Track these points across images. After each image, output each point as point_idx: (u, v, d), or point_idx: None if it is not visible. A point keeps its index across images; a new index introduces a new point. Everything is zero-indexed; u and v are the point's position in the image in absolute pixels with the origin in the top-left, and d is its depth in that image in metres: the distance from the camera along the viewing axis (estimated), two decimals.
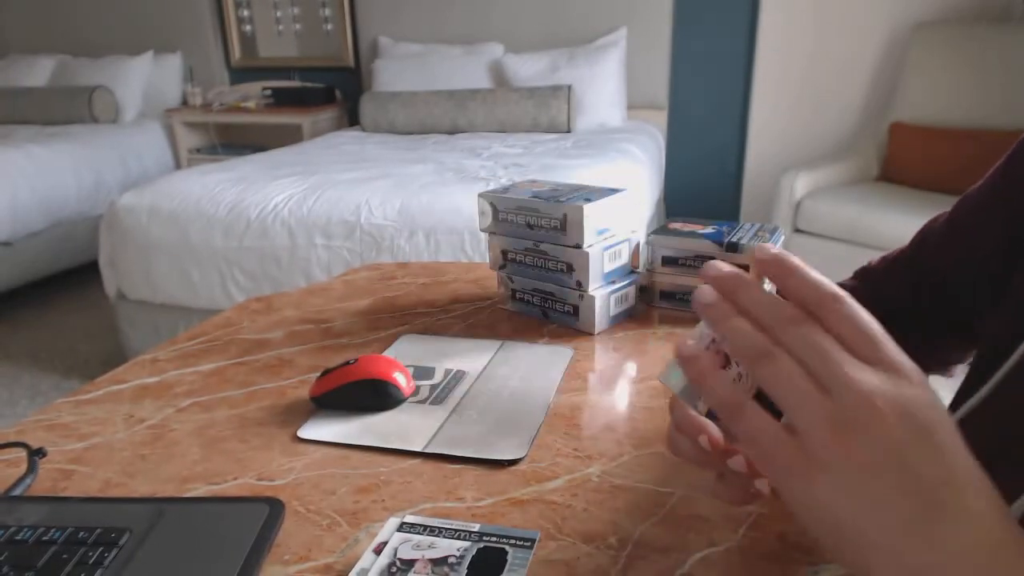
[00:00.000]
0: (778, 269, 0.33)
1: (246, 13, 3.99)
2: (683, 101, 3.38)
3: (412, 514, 0.49)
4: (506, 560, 0.44)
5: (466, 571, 0.43)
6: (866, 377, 0.29)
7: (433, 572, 0.43)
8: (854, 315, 0.31)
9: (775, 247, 0.33)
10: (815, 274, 0.32)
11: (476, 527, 0.47)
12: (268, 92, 3.84)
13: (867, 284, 0.62)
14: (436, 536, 0.46)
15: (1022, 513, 0.35)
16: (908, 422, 0.29)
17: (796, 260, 0.33)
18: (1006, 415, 0.42)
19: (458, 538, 0.46)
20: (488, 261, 0.88)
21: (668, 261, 0.83)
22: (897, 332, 0.59)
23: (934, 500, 0.28)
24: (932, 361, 0.58)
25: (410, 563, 0.44)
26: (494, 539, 0.46)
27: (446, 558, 0.44)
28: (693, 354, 0.34)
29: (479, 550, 0.45)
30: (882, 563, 0.29)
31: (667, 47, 3.31)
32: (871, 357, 0.30)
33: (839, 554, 0.30)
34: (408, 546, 0.45)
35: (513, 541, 0.46)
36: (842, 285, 0.63)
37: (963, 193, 0.56)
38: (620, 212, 0.81)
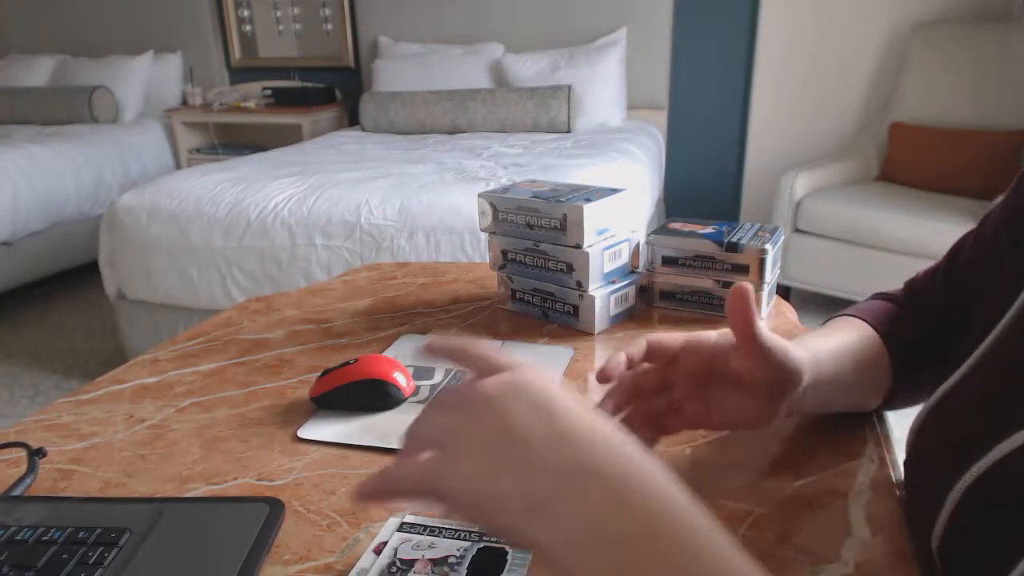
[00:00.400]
0: (439, 353, 0.38)
1: (246, 13, 3.99)
2: (683, 101, 3.38)
3: (412, 514, 0.49)
4: (506, 560, 0.44)
5: (466, 571, 0.43)
6: (476, 383, 0.34)
7: (433, 572, 0.43)
8: (474, 351, 0.37)
9: (427, 339, 0.39)
10: (447, 342, 0.38)
11: (476, 527, 0.47)
12: (268, 92, 3.84)
13: (912, 295, 0.63)
14: (436, 536, 0.46)
15: (1005, 454, 0.37)
16: (516, 398, 0.33)
17: (440, 341, 0.38)
18: (990, 377, 0.43)
19: (458, 538, 0.46)
20: (488, 261, 0.88)
21: (668, 261, 0.83)
22: (943, 345, 0.58)
23: (539, 446, 0.31)
24: None
25: (410, 563, 0.44)
26: (495, 539, 0.46)
27: (446, 558, 0.44)
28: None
29: (479, 550, 0.45)
30: (491, 490, 0.31)
31: (667, 47, 3.31)
32: (495, 372, 0.35)
33: (479, 514, 0.32)
34: (408, 546, 0.45)
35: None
36: (890, 294, 0.64)
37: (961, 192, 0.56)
38: (620, 212, 0.81)
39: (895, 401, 0.59)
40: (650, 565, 0.28)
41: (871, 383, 0.57)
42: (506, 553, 0.45)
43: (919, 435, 0.48)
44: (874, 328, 0.58)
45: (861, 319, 0.60)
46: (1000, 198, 0.55)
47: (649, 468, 0.31)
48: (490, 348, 0.37)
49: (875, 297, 0.64)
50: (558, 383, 0.34)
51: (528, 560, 0.44)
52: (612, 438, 0.32)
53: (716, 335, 0.50)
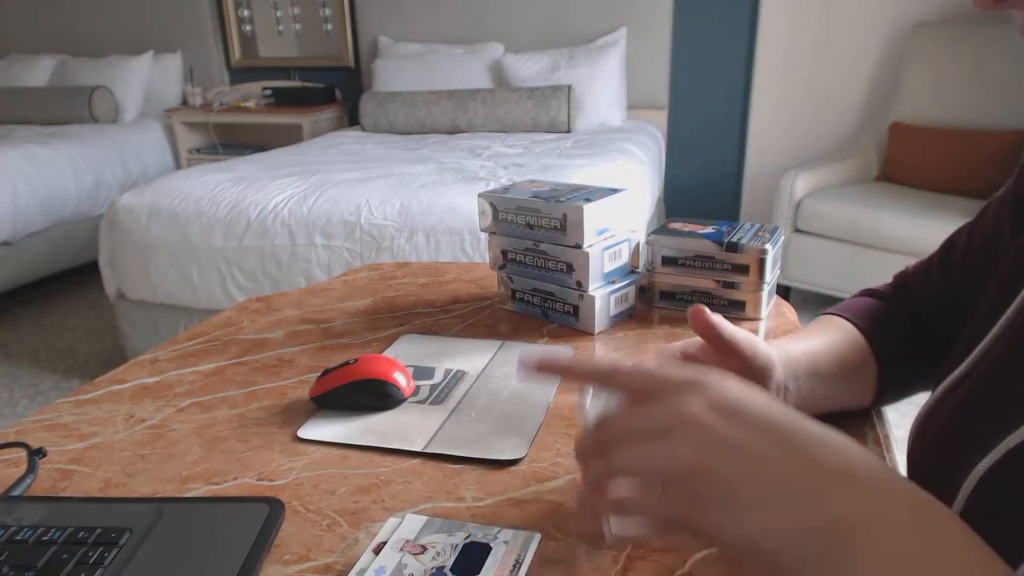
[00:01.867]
0: (552, 371, 0.38)
1: (246, 13, 3.99)
2: (683, 101, 3.38)
3: (412, 514, 0.49)
4: (489, 550, 0.44)
5: (456, 567, 0.43)
6: (682, 403, 0.32)
7: (432, 572, 0.43)
8: (635, 371, 0.35)
9: (536, 355, 0.39)
10: (584, 363, 0.37)
11: (475, 527, 0.47)
12: (268, 92, 3.84)
13: (901, 289, 0.63)
14: (436, 536, 0.46)
15: (1017, 442, 0.37)
16: (732, 418, 0.32)
17: (558, 359, 0.38)
18: (997, 368, 0.43)
19: (450, 534, 0.46)
20: (488, 261, 0.88)
21: (668, 261, 0.83)
22: (934, 338, 0.58)
23: (796, 470, 0.31)
24: None
25: (409, 563, 0.44)
26: (492, 537, 0.46)
27: (445, 558, 0.44)
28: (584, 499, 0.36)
29: (464, 546, 0.45)
30: (784, 544, 0.30)
31: (667, 47, 3.31)
32: (669, 389, 0.33)
33: (755, 557, 0.31)
34: (408, 546, 0.45)
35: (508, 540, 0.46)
36: (877, 289, 0.63)
37: (962, 193, 0.57)
38: (620, 212, 0.81)
39: (885, 397, 0.59)
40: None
41: (857, 381, 0.57)
42: (489, 548, 0.45)
43: (924, 427, 0.48)
44: (857, 326, 0.59)
45: (844, 317, 0.60)
46: (1000, 191, 0.55)
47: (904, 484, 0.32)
48: (637, 363, 0.35)
49: (862, 293, 0.64)
50: (737, 383, 0.34)
51: (526, 559, 0.44)
52: (852, 448, 0.32)
53: (682, 344, 0.53)
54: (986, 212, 0.56)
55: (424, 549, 0.45)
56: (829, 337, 0.58)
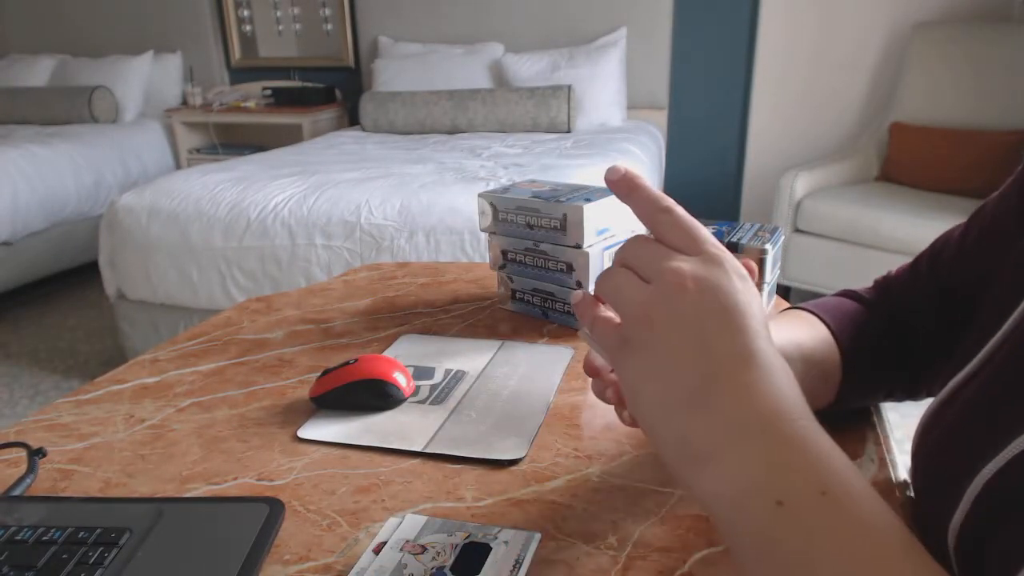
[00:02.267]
0: (623, 187, 0.37)
1: (246, 13, 3.99)
2: (683, 101, 3.38)
3: (412, 514, 0.49)
4: (488, 554, 0.44)
5: (456, 567, 0.43)
6: (681, 264, 0.33)
7: (432, 572, 0.43)
8: (679, 221, 0.35)
9: (624, 168, 0.37)
10: (652, 191, 0.36)
11: (475, 527, 0.47)
12: (268, 92, 3.84)
13: (883, 293, 0.62)
14: (436, 536, 0.46)
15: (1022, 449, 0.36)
16: (710, 299, 0.32)
17: (638, 179, 0.37)
18: (1004, 370, 0.42)
19: (450, 534, 0.46)
20: (488, 261, 0.88)
21: None
22: (918, 343, 0.57)
23: (718, 370, 0.32)
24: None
25: (409, 563, 0.44)
26: (492, 537, 0.46)
27: (445, 558, 0.44)
28: (578, 299, 0.39)
29: (464, 546, 0.45)
30: (662, 429, 0.33)
31: (667, 47, 3.31)
32: (693, 250, 0.34)
33: (643, 426, 0.35)
34: (408, 546, 0.45)
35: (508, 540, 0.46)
36: (857, 292, 0.62)
37: (968, 196, 0.56)
38: (620, 212, 0.81)
39: (846, 399, 0.57)
40: (813, 523, 0.29)
41: (818, 376, 0.55)
42: (489, 548, 0.45)
43: (929, 429, 0.48)
44: (827, 324, 0.57)
45: (815, 314, 0.58)
46: (997, 192, 0.54)
47: (815, 428, 0.32)
48: (689, 220, 0.35)
49: (841, 294, 0.63)
50: (748, 291, 0.34)
51: (526, 559, 0.44)
52: (787, 379, 0.32)
53: None
54: (983, 211, 0.55)
55: (424, 549, 0.45)
56: (796, 327, 0.57)
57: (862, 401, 0.59)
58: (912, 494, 0.50)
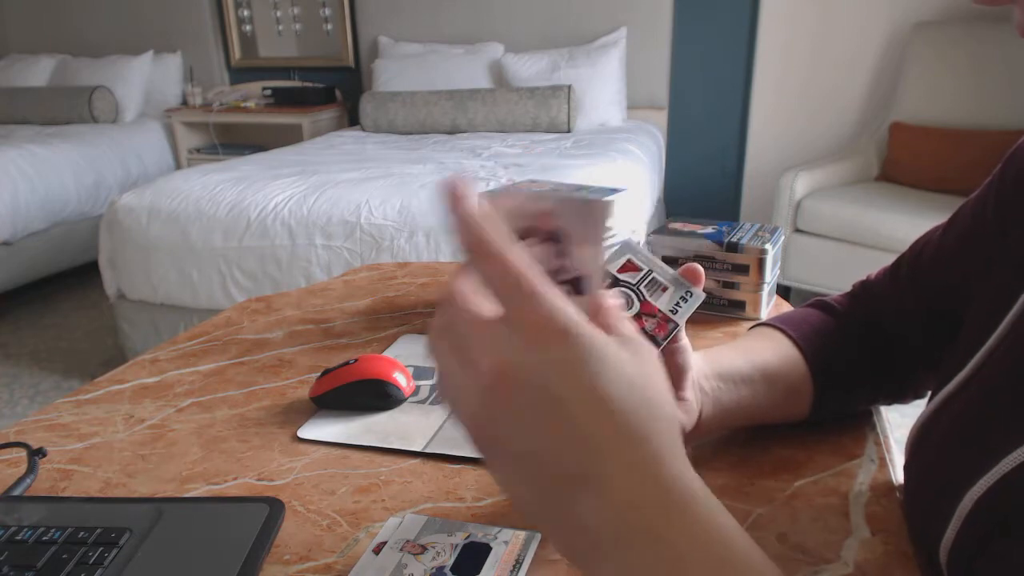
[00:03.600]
0: (449, 200, 0.27)
1: (246, 13, 3.99)
2: (683, 101, 3.38)
3: (412, 514, 0.49)
4: (488, 553, 0.44)
5: (456, 567, 0.43)
6: (498, 355, 0.26)
7: (432, 572, 0.43)
8: (507, 275, 0.26)
9: (456, 180, 0.27)
10: (478, 221, 0.27)
11: (475, 527, 0.47)
12: (268, 92, 3.84)
13: (861, 299, 0.61)
14: (436, 535, 0.46)
15: (1014, 465, 0.36)
16: (537, 396, 0.26)
17: (465, 197, 0.27)
18: (993, 383, 0.42)
19: (451, 534, 0.46)
20: None
21: (668, 261, 0.83)
22: (899, 350, 0.56)
23: (567, 475, 0.26)
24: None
25: (409, 563, 0.44)
26: (492, 537, 0.46)
27: (445, 558, 0.44)
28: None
29: (464, 546, 0.45)
30: (549, 536, 0.28)
31: (667, 47, 3.31)
32: (515, 318, 0.26)
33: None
34: (408, 546, 0.45)
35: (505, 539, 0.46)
36: (828, 302, 0.62)
37: (960, 196, 0.56)
38: (620, 212, 0.81)
39: (824, 409, 0.56)
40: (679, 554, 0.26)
41: (782, 390, 0.55)
42: (489, 548, 0.45)
43: (919, 443, 0.47)
44: (791, 337, 0.57)
45: (779, 329, 0.58)
46: (975, 193, 0.54)
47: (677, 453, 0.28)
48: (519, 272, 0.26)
49: (812, 304, 0.62)
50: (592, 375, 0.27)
51: (526, 559, 0.44)
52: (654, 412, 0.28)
53: None
54: (961, 213, 0.55)
55: (424, 549, 0.45)
56: (755, 345, 0.57)
57: (843, 409, 0.59)
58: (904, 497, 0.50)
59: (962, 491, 0.39)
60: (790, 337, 0.58)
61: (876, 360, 0.58)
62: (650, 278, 0.47)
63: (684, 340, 0.48)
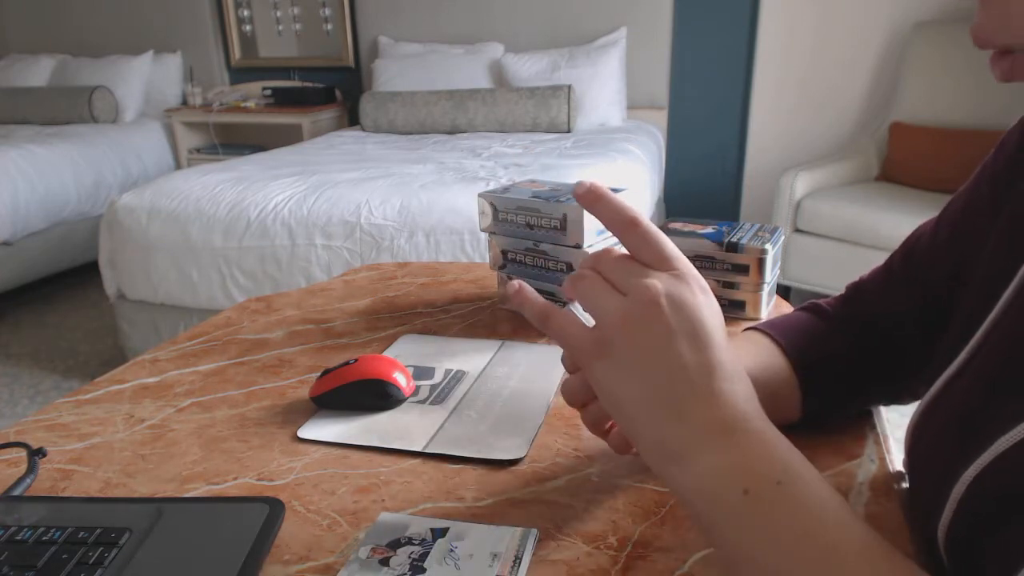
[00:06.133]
0: (589, 199, 0.39)
1: (246, 13, 3.99)
2: (683, 101, 3.38)
3: (412, 514, 0.49)
4: (484, 551, 0.44)
5: (454, 566, 0.43)
6: (653, 281, 0.36)
7: (430, 572, 0.43)
8: (648, 236, 0.38)
9: (589, 182, 0.40)
10: (617, 202, 0.39)
11: (474, 526, 0.47)
12: (268, 92, 3.84)
13: (853, 301, 0.60)
14: (428, 532, 0.46)
15: (1008, 446, 0.37)
16: (681, 316, 0.36)
17: (603, 190, 0.39)
18: (988, 365, 0.42)
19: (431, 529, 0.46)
20: (488, 261, 0.88)
21: None
22: (895, 350, 0.56)
23: (689, 380, 0.35)
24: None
25: (387, 559, 0.44)
26: (492, 536, 0.46)
27: (438, 556, 0.44)
28: (515, 288, 0.41)
29: (458, 544, 0.45)
30: (641, 432, 0.37)
31: (667, 47, 3.31)
32: (662, 266, 0.37)
33: (621, 426, 0.38)
34: (407, 546, 0.45)
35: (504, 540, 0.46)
36: (819, 305, 0.61)
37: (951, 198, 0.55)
38: None
39: (815, 413, 0.56)
40: (777, 516, 0.33)
41: (766, 399, 0.55)
42: (485, 545, 0.45)
43: (919, 427, 0.48)
44: (777, 341, 0.57)
45: (764, 332, 0.58)
46: (963, 185, 0.54)
47: (769, 428, 0.36)
48: (658, 235, 0.38)
49: (803, 307, 0.62)
50: (711, 305, 0.37)
51: (525, 557, 0.44)
52: (744, 387, 0.37)
53: None
54: (952, 206, 0.54)
55: (415, 547, 0.45)
56: (741, 352, 0.56)
57: (839, 412, 0.59)
58: (907, 485, 0.51)
59: (957, 474, 0.39)
60: (770, 337, 0.58)
61: (869, 360, 0.57)
62: None
63: None
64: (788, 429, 0.56)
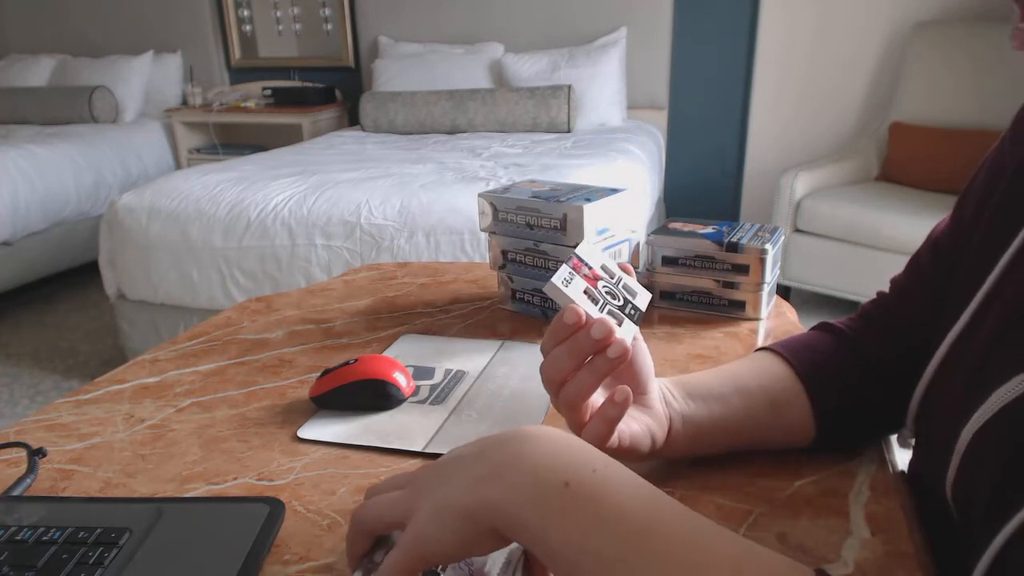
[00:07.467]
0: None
1: (246, 13, 3.99)
2: (683, 101, 3.38)
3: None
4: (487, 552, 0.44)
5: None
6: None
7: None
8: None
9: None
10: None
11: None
12: (268, 92, 3.84)
13: (877, 314, 0.58)
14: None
15: (1008, 400, 0.37)
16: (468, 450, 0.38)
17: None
18: (988, 321, 0.43)
19: None
20: (488, 261, 0.88)
21: (668, 261, 0.83)
22: (916, 364, 0.53)
23: (487, 445, 0.37)
24: None
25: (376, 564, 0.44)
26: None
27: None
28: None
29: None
30: (456, 481, 0.36)
31: (667, 47, 3.31)
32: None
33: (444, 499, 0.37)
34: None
35: None
36: (834, 324, 0.59)
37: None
38: (620, 212, 0.81)
39: (829, 437, 0.54)
40: (586, 507, 0.33)
41: (765, 411, 0.53)
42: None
43: (929, 388, 0.48)
44: (788, 361, 0.55)
45: (776, 352, 0.56)
46: (970, 179, 0.54)
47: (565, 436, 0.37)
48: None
49: (816, 327, 0.60)
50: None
51: (524, 557, 0.44)
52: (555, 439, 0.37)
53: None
54: (964, 195, 0.54)
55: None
56: (730, 366, 0.56)
57: (853, 436, 0.55)
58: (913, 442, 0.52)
59: (960, 428, 0.40)
60: (777, 353, 0.56)
61: (892, 381, 0.54)
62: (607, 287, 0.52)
63: (641, 341, 0.49)
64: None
